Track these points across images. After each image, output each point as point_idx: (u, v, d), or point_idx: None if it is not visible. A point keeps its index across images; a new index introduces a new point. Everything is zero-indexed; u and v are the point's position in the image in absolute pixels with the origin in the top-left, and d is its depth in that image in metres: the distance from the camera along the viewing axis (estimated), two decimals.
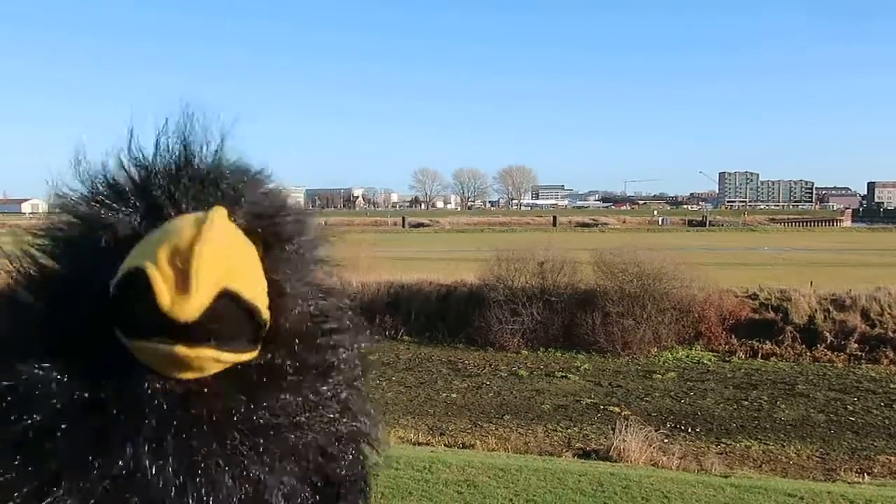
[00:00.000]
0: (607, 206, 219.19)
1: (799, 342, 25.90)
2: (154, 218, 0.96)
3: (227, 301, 0.85)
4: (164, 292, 0.81)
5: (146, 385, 0.88)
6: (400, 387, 22.02)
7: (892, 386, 22.00)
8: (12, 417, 0.87)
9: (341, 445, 1.05)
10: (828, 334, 25.87)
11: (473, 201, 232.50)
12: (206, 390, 0.90)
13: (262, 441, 0.93)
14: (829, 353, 25.25)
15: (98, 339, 0.89)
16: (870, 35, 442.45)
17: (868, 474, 14.35)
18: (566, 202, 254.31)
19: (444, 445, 15.81)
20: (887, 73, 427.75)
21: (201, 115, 1.07)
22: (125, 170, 1.03)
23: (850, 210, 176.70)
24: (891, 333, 25.40)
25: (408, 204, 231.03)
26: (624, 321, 26.21)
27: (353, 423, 1.07)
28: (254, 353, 0.93)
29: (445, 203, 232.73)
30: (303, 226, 1.07)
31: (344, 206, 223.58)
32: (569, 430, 18.06)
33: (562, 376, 23.43)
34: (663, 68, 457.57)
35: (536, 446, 16.44)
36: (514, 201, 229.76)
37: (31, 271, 1.00)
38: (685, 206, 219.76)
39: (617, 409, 19.63)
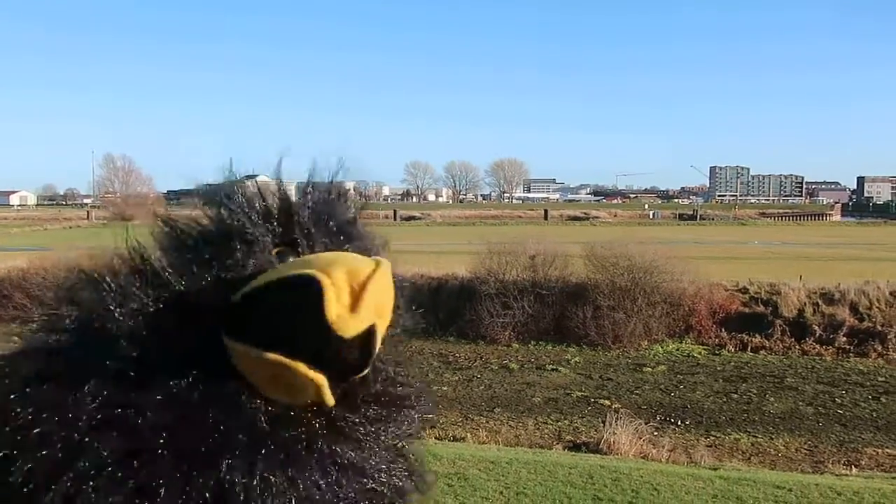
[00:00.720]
0: (598, 200, 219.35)
1: (788, 335, 26.04)
2: (290, 250, 0.99)
3: (367, 338, 0.87)
4: (333, 304, 0.83)
5: (252, 403, 0.91)
6: None
7: (879, 379, 22.16)
8: (112, 432, 0.86)
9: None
10: (817, 328, 26.03)
11: (465, 194, 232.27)
12: (300, 415, 0.93)
13: (350, 457, 0.97)
14: (817, 346, 25.41)
15: (205, 354, 0.90)
16: (861, 32, 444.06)
17: (856, 466, 14.46)
18: (557, 196, 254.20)
19: (435, 438, 15.81)
20: (878, 68, 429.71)
21: (341, 160, 1.13)
22: (274, 193, 1.05)
23: (839, 204, 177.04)
24: (879, 327, 25.56)
25: (399, 197, 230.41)
26: (615, 314, 26.29)
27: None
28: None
29: (437, 196, 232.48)
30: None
31: None
32: (559, 423, 18.13)
33: (552, 369, 23.49)
34: (655, 62, 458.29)
35: (527, 439, 16.50)
36: (505, 194, 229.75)
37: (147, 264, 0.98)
38: (676, 200, 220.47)
39: (607, 402, 19.70)
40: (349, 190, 1.16)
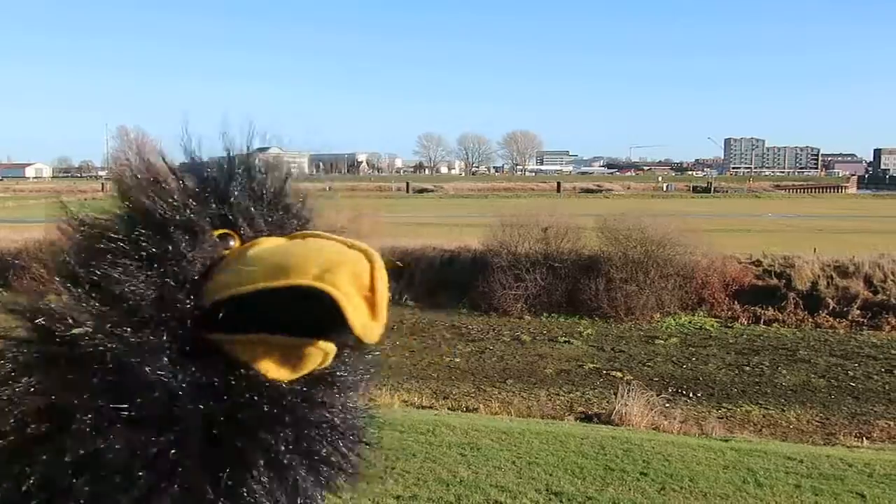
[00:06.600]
0: (612, 173, 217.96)
1: (801, 308, 25.96)
2: (228, 236, 0.96)
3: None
4: (357, 319, 0.83)
5: (263, 381, 0.91)
6: (404, 351, 22.15)
7: (892, 352, 22.08)
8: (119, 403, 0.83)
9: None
10: (830, 300, 25.92)
11: (477, 167, 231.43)
12: (294, 385, 0.94)
13: (324, 430, 0.98)
14: (831, 319, 25.32)
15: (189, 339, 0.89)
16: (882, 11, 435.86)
17: (867, 439, 14.49)
18: (570, 168, 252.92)
19: (448, 409, 15.97)
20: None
21: (274, 129, 1.09)
22: (206, 172, 1.01)
23: (855, 177, 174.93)
24: (893, 300, 25.42)
25: (412, 169, 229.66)
26: (627, 287, 26.27)
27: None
28: None
29: (449, 168, 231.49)
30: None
31: (348, 171, 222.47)
32: (571, 395, 18.21)
33: (564, 341, 23.55)
34: (670, 34, 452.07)
35: (539, 410, 16.59)
36: (518, 167, 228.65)
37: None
38: (690, 173, 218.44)
39: (619, 374, 19.76)
40: (276, 157, 1.11)
